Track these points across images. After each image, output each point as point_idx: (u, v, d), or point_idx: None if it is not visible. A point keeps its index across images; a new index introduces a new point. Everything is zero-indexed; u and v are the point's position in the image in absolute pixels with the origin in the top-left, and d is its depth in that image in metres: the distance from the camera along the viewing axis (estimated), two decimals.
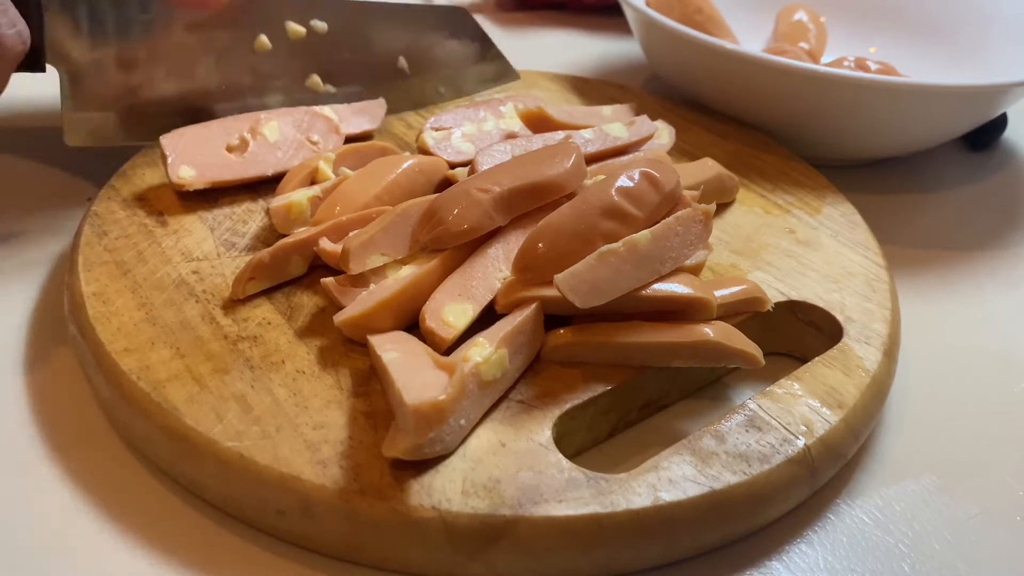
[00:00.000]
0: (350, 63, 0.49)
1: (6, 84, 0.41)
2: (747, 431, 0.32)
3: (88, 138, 0.44)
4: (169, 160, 0.41)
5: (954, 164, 0.57)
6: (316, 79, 0.48)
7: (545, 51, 0.70)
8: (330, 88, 0.49)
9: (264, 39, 0.47)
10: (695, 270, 0.37)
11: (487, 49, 0.54)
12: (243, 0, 0.46)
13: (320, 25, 0.48)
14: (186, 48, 0.45)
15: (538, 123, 0.45)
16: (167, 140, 0.42)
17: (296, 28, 0.47)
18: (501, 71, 0.55)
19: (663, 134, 0.48)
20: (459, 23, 0.53)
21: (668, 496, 0.29)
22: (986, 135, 0.59)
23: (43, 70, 0.43)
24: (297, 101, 0.48)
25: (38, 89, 0.46)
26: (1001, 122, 0.59)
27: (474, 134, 0.45)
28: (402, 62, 0.51)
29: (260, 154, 0.43)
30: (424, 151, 0.43)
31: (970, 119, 0.52)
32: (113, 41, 0.44)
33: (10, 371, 0.36)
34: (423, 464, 0.29)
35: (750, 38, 0.64)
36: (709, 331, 0.33)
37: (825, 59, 0.62)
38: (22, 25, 0.40)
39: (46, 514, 0.30)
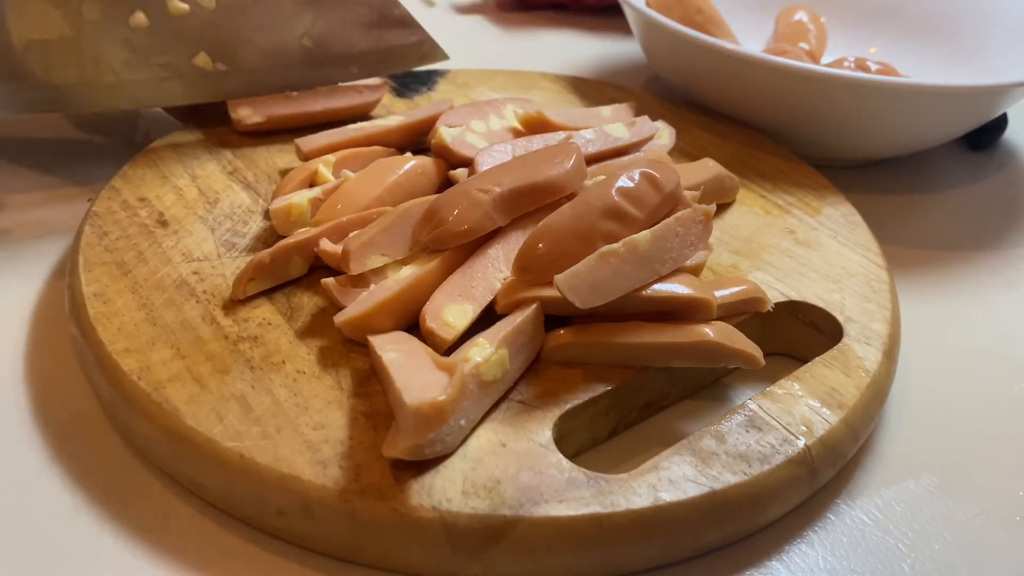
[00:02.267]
0: (245, 42, 0.47)
1: None
2: (747, 431, 0.32)
3: None
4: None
5: (954, 164, 0.57)
6: (205, 56, 0.46)
7: (545, 51, 0.70)
8: (220, 67, 0.47)
9: (141, 16, 0.45)
10: (695, 270, 0.37)
11: (407, 26, 0.51)
12: None
13: (207, 1, 0.46)
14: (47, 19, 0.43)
15: (538, 128, 0.46)
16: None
17: (178, 5, 0.45)
18: (425, 51, 0.52)
19: (663, 135, 0.48)
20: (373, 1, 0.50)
21: (668, 496, 0.29)
22: (986, 135, 0.59)
23: None
24: (189, 80, 0.46)
25: None
26: (1001, 122, 0.59)
27: (485, 132, 0.45)
28: (306, 41, 0.48)
29: (309, 97, 0.48)
30: (441, 146, 0.43)
31: (970, 119, 0.52)
32: None
33: (10, 371, 0.36)
34: (423, 464, 0.29)
35: (750, 39, 0.65)
36: (709, 331, 0.33)
37: (825, 60, 0.62)
38: None
39: (46, 514, 0.30)
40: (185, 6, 0.45)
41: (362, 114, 0.50)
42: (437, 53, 0.52)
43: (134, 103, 0.46)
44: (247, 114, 0.47)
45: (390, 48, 0.51)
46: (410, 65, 0.52)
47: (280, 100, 0.48)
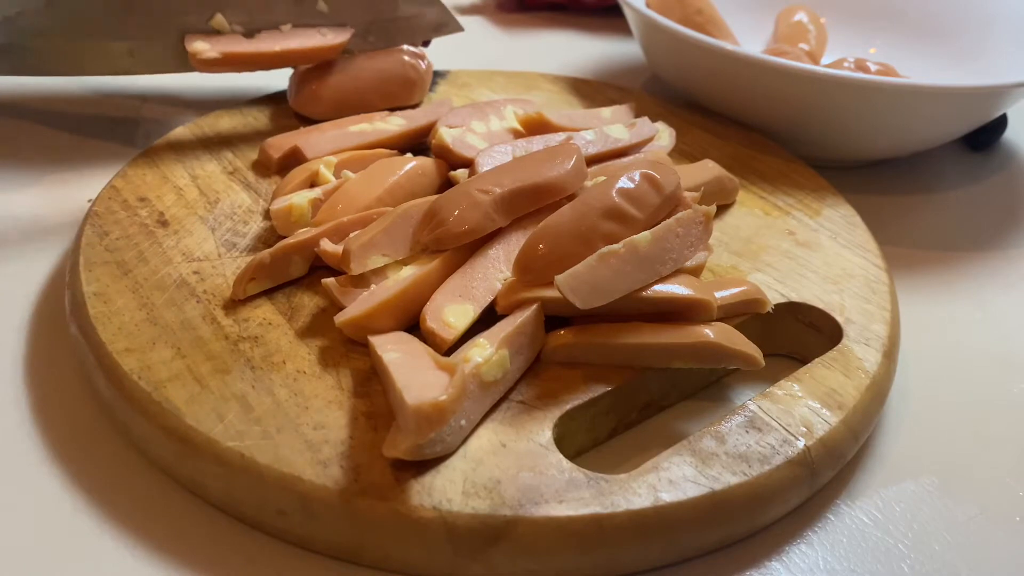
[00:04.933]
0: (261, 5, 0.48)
1: None
2: (747, 432, 0.32)
3: None
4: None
5: (954, 164, 0.58)
6: (221, 18, 0.47)
7: (545, 52, 0.70)
8: (236, 28, 0.47)
9: None
10: (695, 271, 0.37)
11: None
12: None
13: None
14: None
15: (538, 128, 0.46)
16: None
17: None
18: (441, 20, 0.53)
19: (663, 136, 0.49)
20: None
21: (668, 497, 0.29)
22: (986, 135, 0.59)
23: None
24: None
25: (37, 88, 0.46)
26: (1001, 123, 0.59)
27: (485, 133, 0.45)
28: (321, 5, 0.49)
29: (269, 37, 0.47)
30: (441, 147, 0.43)
31: (970, 120, 0.52)
32: None
33: (10, 371, 0.36)
34: (424, 464, 0.29)
35: (750, 39, 0.65)
36: (709, 332, 0.33)
37: (825, 60, 0.62)
38: None
39: (46, 514, 0.31)
40: None
41: (324, 58, 0.48)
42: (452, 24, 0.53)
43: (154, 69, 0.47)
44: (203, 48, 0.45)
45: (406, 17, 0.51)
46: (426, 35, 0.52)
47: (238, 38, 0.46)
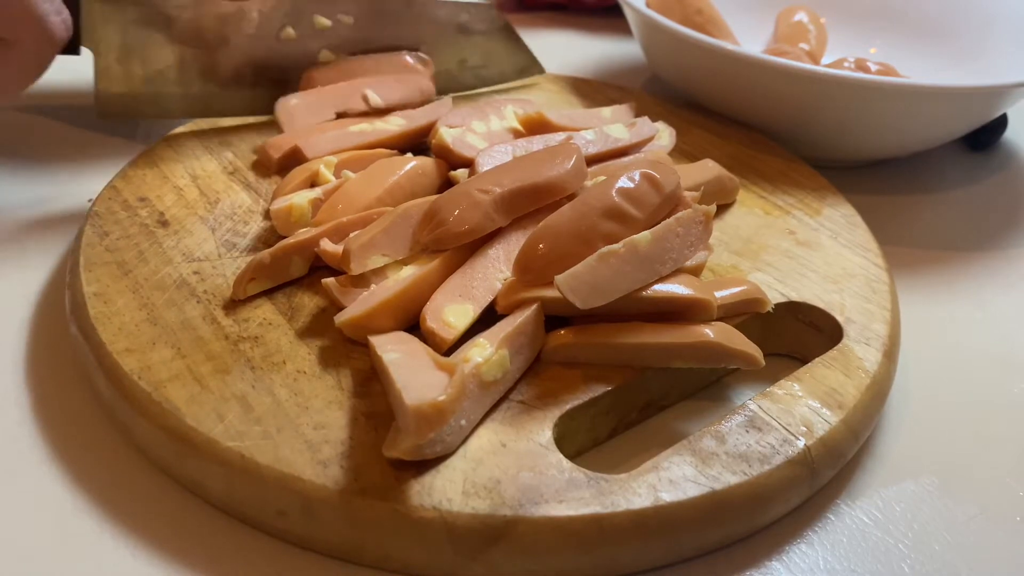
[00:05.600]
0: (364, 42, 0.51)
1: (48, 67, 0.43)
2: (747, 432, 0.32)
3: (118, 111, 0.48)
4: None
5: (954, 164, 0.58)
6: (327, 53, 0.50)
7: (545, 52, 0.70)
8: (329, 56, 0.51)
9: (290, 30, 0.49)
10: (695, 271, 0.37)
11: (511, 39, 0.55)
12: None
13: (346, 19, 0.50)
14: (213, 31, 0.48)
15: (538, 128, 0.46)
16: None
17: (322, 21, 0.49)
18: (526, 64, 0.56)
19: (663, 135, 0.49)
20: (483, 15, 0.54)
21: (668, 496, 0.29)
22: (986, 135, 0.59)
23: (78, 53, 0.46)
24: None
25: (38, 88, 0.46)
26: (1001, 122, 0.59)
27: (485, 133, 0.45)
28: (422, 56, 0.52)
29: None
30: (441, 147, 0.43)
31: (970, 120, 0.52)
32: (144, 25, 0.47)
33: (10, 371, 0.36)
34: (424, 464, 0.29)
35: (750, 39, 0.65)
36: (709, 332, 0.33)
37: (825, 60, 0.62)
38: (66, 14, 0.42)
39: (46, 514, 0.30)
40: (328, 22, 0.50)
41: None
42: (535, 67, 0.56)
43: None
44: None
45: (497, 61, 0.55)
46: (512, 78, 0.56)
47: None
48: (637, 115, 0.51)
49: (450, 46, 0.53)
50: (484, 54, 0.54)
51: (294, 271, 0.37)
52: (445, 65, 0.53)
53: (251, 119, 0.49)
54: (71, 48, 0.45)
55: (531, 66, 0.56)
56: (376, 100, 0.48)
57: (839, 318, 0.37)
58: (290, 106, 0.47)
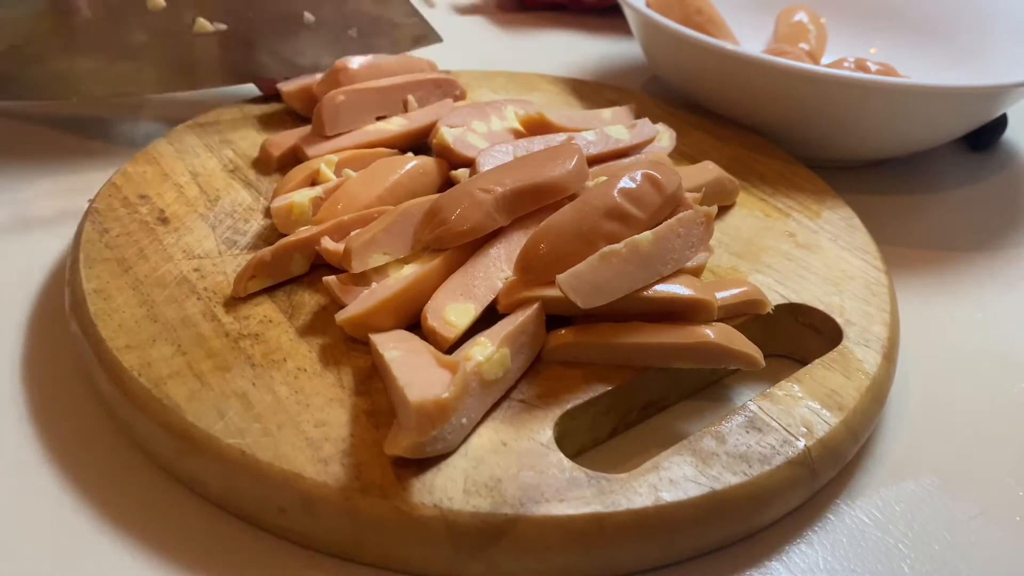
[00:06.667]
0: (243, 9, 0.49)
1: None
2: (747, 432, 0.32)
3: None
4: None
5: (954, 164, 0.58)
6: (203, 22, 0.49)
7: (545, 53, 0.70)
8: (220, 26, 0.49)
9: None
10: (696, 272, 0.37)
11: (402, 7, 0.54)
12: None
13: None
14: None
15: (539, 129, 0.46)
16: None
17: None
18: (421, 33, 0.55)
19: (663, 137, 0.49)
20: None
21: (669, 496, 0.29)
22: (986, 135, 0.59)
23: None
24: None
25: None
26: (1001, 122, 0.59)
27: (486, 132, 0.45)
28: (308, 17, 0.50)
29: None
30: (442, 146, 0.43)
31: (970, 120, 0.52)
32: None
33: (10, 368, 0.36)
34: (425, 462, 0.29)
35: (750, 39, 0.65)
36: (710, 333, 0.33)
37: (825, 60, 0.62)
38: None
39: (46, 513, 0.30)
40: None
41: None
42: (431, 36, 0.54)
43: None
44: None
45: (389, 30, 0.53)
46: (407, 47, 0.54)
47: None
48: (637, 117, 0.51)
49: (337, 14, 0.51)
50: (373, 21, 0.52)
51: (295, 269, 0.37)
52: (333, 33, 0.51)
53: (252, 117, 0.49)
54: None
55: (428, 35, 0.55)
56: (414, 106, 0.47)
57: (839, 320, 0.37)
58: (336, 103, 0.45)
